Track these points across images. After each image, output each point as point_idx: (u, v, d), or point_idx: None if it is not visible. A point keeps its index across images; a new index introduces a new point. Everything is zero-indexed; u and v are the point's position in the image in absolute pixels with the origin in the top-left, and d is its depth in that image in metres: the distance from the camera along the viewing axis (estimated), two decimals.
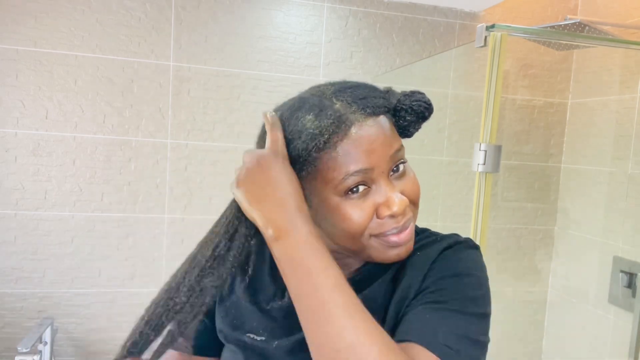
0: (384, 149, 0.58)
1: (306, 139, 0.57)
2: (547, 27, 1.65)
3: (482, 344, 0.58)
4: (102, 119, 1.78)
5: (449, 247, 0.64)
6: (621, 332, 1.77)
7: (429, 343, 0.53)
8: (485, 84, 1.16)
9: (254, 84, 1.87)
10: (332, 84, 0.62)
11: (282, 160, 0.57)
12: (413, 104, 0.62)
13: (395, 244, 0.60)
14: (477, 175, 1.19)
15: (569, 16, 1.62)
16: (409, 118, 0.62)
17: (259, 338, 0.67)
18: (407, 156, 0.65)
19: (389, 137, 0.59)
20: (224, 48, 1.84)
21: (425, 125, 0.67)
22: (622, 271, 1.74)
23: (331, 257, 0.54)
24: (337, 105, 0.58)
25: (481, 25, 1.16)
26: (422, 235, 0.69)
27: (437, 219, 2.04)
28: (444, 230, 0.70)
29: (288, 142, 0.58)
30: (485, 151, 1.17)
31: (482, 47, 1.16)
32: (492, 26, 1.15)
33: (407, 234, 0.61)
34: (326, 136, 0.56)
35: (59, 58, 1.73)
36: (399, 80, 1.98)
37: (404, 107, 0.62)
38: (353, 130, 0.57)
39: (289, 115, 0.60)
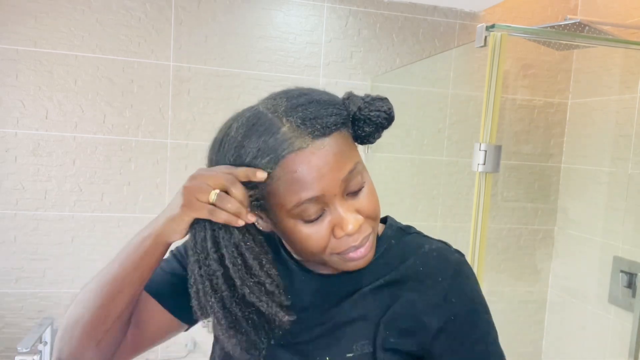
0: (334, 173, 0.57)
1: (258, 165, 0.57)
2: (547, 27, 1.65)
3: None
4: (102, 119, 1.78)
5: (456, 272, 0.66)
6: (621, 332, 1.77)
7: None
8: (485, 84, 1.16)
9: (254, 84, 1.87)
10: (287, 97, 0.60)
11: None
12: (371, 114, 0.60)
13: (354, 259, 0.62)
14: (477, 175, 1.19)
15: (569, 16, 1.62)
16: (367, 129, 0.61)
17: None
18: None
19: (341, 159, 0.58)
20: (224, 48, 1.84)
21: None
22: (622, 271, 1.74)
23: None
24: (286, 128, 0.57)
25: (481, 25, 1.16)
26: (411, 237, 0.70)
27: (437, 219, 2.04)
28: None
29: (242, 164, 0.59)
30: (485, 151, 1.17)
31: (482, 47, 1.16)
32: (492, 26, 1.15)
33: (366, 249, 0.62)
34: (272, 164, 0.56)
35: (59, 58, 1.73)
36: (399, 80, 1.98)
37: (362, 117, 0.60)
38: (300, 157, 0.56)
39: (243, 133, 0.59)
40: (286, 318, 0.60)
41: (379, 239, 0.69)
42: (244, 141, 0.59)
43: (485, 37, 1.16)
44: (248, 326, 0.61)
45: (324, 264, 0.64)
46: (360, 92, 0.65)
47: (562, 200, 2.11)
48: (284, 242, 0.66)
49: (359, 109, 0.60)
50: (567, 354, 2.08)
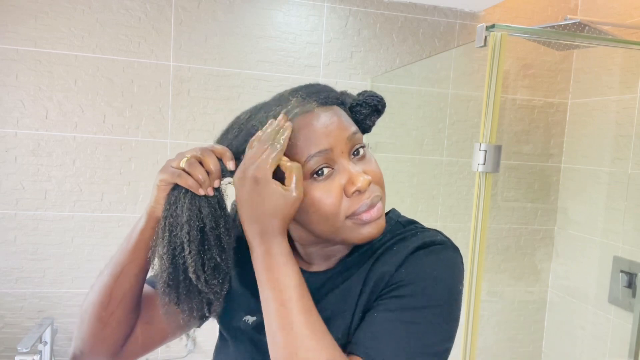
0: (340, 131, 0.63)
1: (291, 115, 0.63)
2: (547, 27, 1.65)
3: (437, 354, 0.59)
4: (102, 119, 1.78)
5: (426, 245, 0.64)
6: (621, 332, 1.77)
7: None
8: (485, 84, 1.16)
9: (254, 84, 1.87)
10: (295, 87, 0.69)
11: (272, 182, 0.60)
12: (366, 98, 0.68)
13: (368, 220, 0.63)
14: (477, 175, 1.19)
15: (569, 16, 1.62)
16: (364, 111, 0.68)
17: (252, 319, 0.69)
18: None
19: (344, 122, 0.64)
20: (224, 48, 1.84)
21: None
22: (622, 271, 1.74)
23: (298, 274, 0.60)
24: (293, 100, 0.64)
25: (481, 25, 1.16)
26: (408, 228, 0.70)
27: (437, 219, 2.04)
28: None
29: (251, 135, 0.64)
30: (485, 151, 1.17)
31: (482, 47, 1.16)
32: (492, 26, 1.15)
33: (377, 210, 0.64)
34: (298, 114, 0.62)
35: (59, 58, 1.73)
36: (399, 80, 1.98)
37: (358, 102, 0.68)
38: (308, 117, 0.62)
39: (254, 112, 0.66)
40: (216, 308, 0.67)
41: None
42: (253, 114, 0.66)
43: (485, 37, 1.15)
44: (187, 297, 0.64)
45: (337, 235, 0.63)
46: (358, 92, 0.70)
47: (562, 200, 2.11)
48: (300, 219, 0.65)
49: (353, 99, 0.69)
50: (567, 354, 2.08)
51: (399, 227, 0.70)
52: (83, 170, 1.78)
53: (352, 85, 1.91)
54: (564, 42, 1.75)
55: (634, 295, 1.69)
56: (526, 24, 2.02)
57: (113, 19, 1.75)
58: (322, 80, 1.91)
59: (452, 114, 2.02)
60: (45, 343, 1.68)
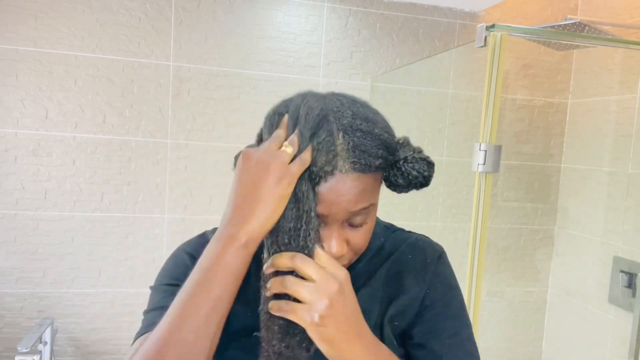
0: (348, 204, 0.59)
1: (320, 163, 0.57)
2: (547, 27, 1.65)
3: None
4: (102, 119, 1.78)
5: (440, 256, 0.73)
6: (621, 332, 1.77)
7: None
8: (485, 84, 1.16)
9: (254, 84, 1.87)
10: (353, 112, 0.60)
11: (350, 291, 0.57)
12: (412, 171, 0.62)
13: None
14: (477, 175, 1.19)
15: (569, 16, 1.62)
16: (400, 181, 0.63)
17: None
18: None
19: (360, 197, 0.59)
20: (224, 48, 1.84)
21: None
22: (622, 271, 1.74)
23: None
24: (338, 143, 0.57)
25: (481, 25, 1.16)
26: (397, 233, 0.76)
27: (437, 219, 2.04)
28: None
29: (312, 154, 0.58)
30: (485, 151, 1.17)
31: (482, 47, 1.16)
32: (492, 26, 1.15)
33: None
34: (317, 179, 0.57)
35: (59, 58, 1.73)
36: (399, 80, 1.98)
37: (402, 169, 0.62)
38: (333, 177, 0.57)
39: (314, 127, 0.58)
40: None
41: (370, 242, 0.72)
42: (316, 134, 0.58)
43: (485, 37, 1.15)
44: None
45: None
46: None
47: (562, 200, 2.11)
48: None
49: (405, 159, 0.62)
50: (567, 354, 2.08)
51: (387, 231, 0.76)
52: (83, 170, 1.78)
53: (352, 85, 1.91)
54: (564, 42, 1.75)
55: (634, 295, 1.69)
56: (526, 24, 2.02)
57: (113, 19, 1.75)
58: (322, 80, 1.91)
59: (452, 114, 2.02)
60: (45, 343, 1.68)
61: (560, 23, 1.58)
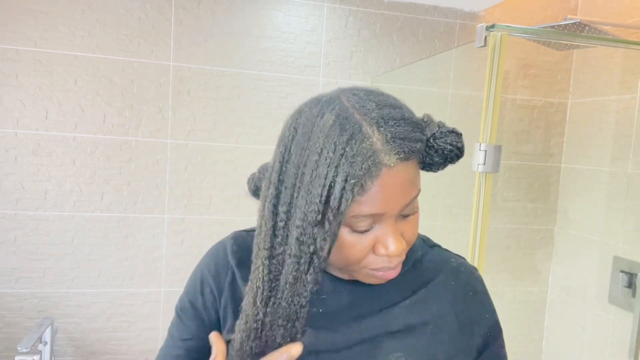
0: (401, 198, 0.56)
1: (344, 187, 0.53)
2: (547, 27, 1.65)
3: None
4: (102, 119, 1.78)
5: (484, 286, 0.76)
6: (621, 332, 1.77)
7: None
8: (485, 84, 1.16)
9: (254, 84, 1.87)
10: (377, 103, 0.57)
11: None
12: (446, 146, 0.60)
13: (382, 278, 0.62)
14: (477, 175, 1.19)
15: (569, 16, 1.62)
16: (436, 159, 0.60)
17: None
18: None
19: (410, 186, 0.57)
20: (224, 48, 1.84)
21: None
22: (622, 271, 1.74)
23: None
24: (375, 139, 0.54)
25: (481, 25, 1.16)
26: (435, 250, 0.74)
27: (437, 219, 2.04)
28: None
29: (332, 159, 0.54)
30: (485, 151, 1.17)
31: (482, 47, 1.16)
32: (492, 26, 1.15)
33: (396, 272, 0.62)
34: (361, 184, 0.53)
35: (59, 58, 1.73)
36: (399, 80, 1.98)
37: (435, 146, 0.60)
38: (382, 176, 0.54)
39: (327, 136, 0.54)
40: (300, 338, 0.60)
41: (415, 248, 0.72)
42: (334, 139, 0.54)
43: (485, 37, 1.15)
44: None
45: (350, 273, 0.64)
46: None
47: (562, 200, 2.11)
48: None
49: (434, 136, 0.60)
50: (567, 354, 2.08)
51: (425, 245, 0.74)
52: (83, 170, 1.78)
53: (352, 85, 1.91)
54: (564, 42, 1.75)
55: (634, 295, 1.69)
56: (526, 24, 2.02)
57: (113, 19, 1.75)
58: (322, 80, 1.91)
59: (452, 114, 2.02)
60: (45, 343, 1.68)
61: (560, 23, 1.58)
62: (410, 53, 1.97)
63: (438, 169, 0.62)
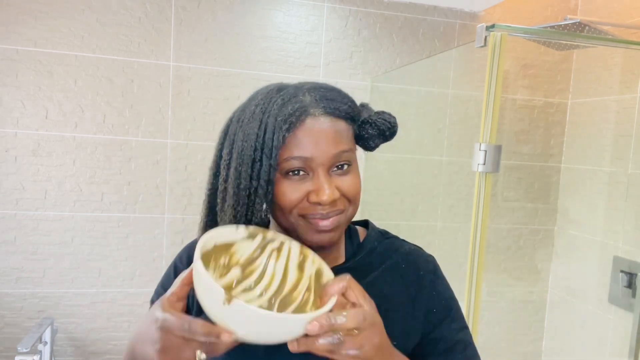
0: (328, 145, 0.63)
1: (274, 126, 0.62)
2: (547, 27, 1.65)
3: None
4: (102, 119, 1.78)
5: (436, 268, 0.78)
6: (621, 332, 1.77)
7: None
8: (485, 84, 1.16)
9: (254, 84, 1.86)
10: (313, 83, 0.69)
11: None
12: (378, 119, 0.68)
13: (318, 228, 0.66)
14: (477, 175, 1.19)
15: (569, 16, 1.62)
16: (370, 131, 0.68)
17: None
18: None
19: (338, 137, 0.65)
20: (224, 48, 1.84)
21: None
22: (622, 271, 1.74)
23: None
24: (305, 99, 0.64)
25: (481, 25, 1.16)
26: (390, 240, 0.79)
27: (437, 219, 2.04)
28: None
29: (263, 119, 0.64)
30: (485, 151, 1.17)
31: (482, 47, 1.16)
32: (492, 26, 1.15)
33: (330, 222, 0.66)
34: (287, 124, 0.62)
35: (59, 58, 1.73)
36: (399, 80, 1.98)
37: (369, 120, 0.68)
38: (308, 120, 0.63)
39: (265, 95, 0.66)
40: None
41: (363, 242, 0.76)
42: (268, 98, 0.65)
43: (485, 37, 1.15)
44: None
45: (293, 230, 0.68)
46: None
47: (562, 200, 2.11)
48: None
49: (370, 116, 0.69)
50: (567, 354, 2.08)
51: (381, 237, 0.79)
52: (83, 170, 1.78)
53: (352, 85, 1.91)
54: (564, 42, 1.75)
55: (634, 295, 1.69)
56: (526, 24, 2.02)
57: (113, 19, 1.75)
58: (322, 80, 1.91)
59: (452, 114, 2.02)
60: (45, 343, 1.68)
61: (560, 23, 1.58)
62: (410, 53, 1.97)
63: (374, 144, 0.70)
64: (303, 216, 0.66)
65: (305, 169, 0.64)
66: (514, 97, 2.07)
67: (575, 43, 1.85)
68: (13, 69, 1.70)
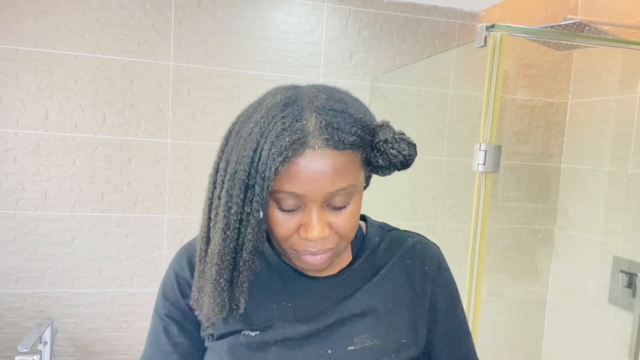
0: (324, 183, 0.58)
1: (269, 155, 0.57)
2: (547, 27, 1.65)
3: None
4: (102, 119, 1.78)
5: (440, 262, 0.77)
6: (621, 332, 1.77)
7: None
8: (485, 84, 1.16)
9: (254, 84, 1.87)
10: (328, 95, 0.62)
11: None
12: (391, 151, 0.61)
13: (307, 263, 0.64)
14: (477, 175, 1.19)
15: (569, 16, 1.62)
16: (380, 162, 0.62)
17: (253, 333, 0.69)
18: None
19: (336, 176, 0.59)
20: (224, 48, 1.84)
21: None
22: (622, 271, 1.74)
23: None
24: (309, 123, 0.58)
25: (481, 25, 1.16)
26: (392, 233, 0.78)
27: (437, 219, 2.04)
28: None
29: (266, 130, 0.58)
30: (485, 151, 1.17)
31: (482, 47, 1.16)
32: (492, 26, 1.15)
33: (321, 259, 0.64)
34: (282, 158, 0.56)
35: (59, 58, 1.73)
36: (399, 80, 1.98)
37: (381, 149, 0.61)
38: (305, 154, 0.57)
39: (268, 110, 0.60)
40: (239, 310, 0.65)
41: (365, 238, 0.75)
42: (276, 111, 0.59)
43: (485, 37, 1.15)
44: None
45: (286, 254, 0.67)
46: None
47: (562, 200, 2.11)
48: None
49: (385, 140, 0.61)
50: (567, 354, 2.08)
51: (382, 231, 0.78)
52: (83, 170, 1.78)
53: (352, 85, 1.91)
54: (564, 42, 1.75)
55: (634, 295, 1.69)
56: (526, 24, 2.02)
57: (113, 19, 1.75)
58: (322, 80, 1.91)
59: (452, 114, 2.02)
60: (45, 343, 1.68)
61: (560, 23, 1.58)
62: (410, 53, 1.97)
63: (384, 173, 0.64)
64: (295, 250, 0.64)
65: (297, 205, 0.60)
66: (514, 97, 2.07)
67: (575, 43, 1.85)
68: (13, 69, 1.70)
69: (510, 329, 2.16)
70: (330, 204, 0.61)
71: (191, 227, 1.87)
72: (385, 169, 0.63)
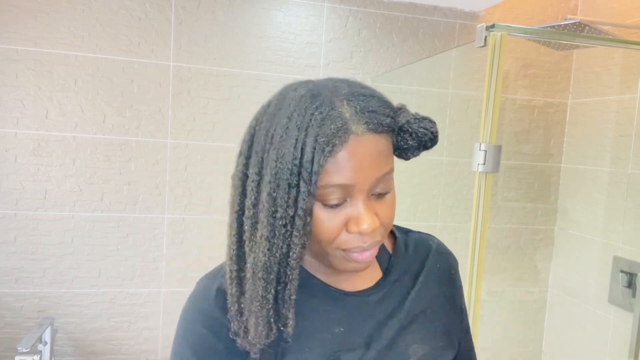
0: (371, 169, 0.56)
1: (315, 147, 0.54)
2: (547, 27, 1.65)
3: None
4: (102, 119, 1.78)
5: (456, 262, 0.80)
6: (621, 332, 1.77)
7: None
8: (485, 84, 1.16)
9: (254, 84, 1.87)
10: (348, 84, 0.60)
11: None
12: (420, 129, 0.61)
13: (357, 260, 0.61)
14: (477, 175, 1.19)
15: (569, 16, 1.62)
16: (410, 142, 0.61)
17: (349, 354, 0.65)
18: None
19: (382, 159, 0.57)
20: (224, 48, 1.84)
21: None
22: (622, 271, 1.74)
23: None
24: (344, 110, 0.55)
25: (481, 25, 1.16)
26: (413, 235, 0.78)
27: (437, 219, 2.04)
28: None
29: (302, 125, 0.55)
30: (485, 151, 1.17)
31: (482, 47, 1.16)
32: (492, 26, 1.15)
33: (370, 256, 0.61)
34: (330, 146, 0.54)
35: (59, 58, 1.73)
36: (399, 80, 1.98)
37: (409, 130, 0.61)
38: (351, 142, 0.55)
39: (297, 104, 0.57)
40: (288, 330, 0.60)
41: (397, 241, 0.75)
42: (301, 109, 0.56)
43: (485, 37, 1.15)
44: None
45: (324, 257, 0.62)
46: None
47: (562, 200, 2.11)
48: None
49: (408, 122, 0.61)
50: (567, 354, 2.08)
51: (400, 232, 0.78)
52: (83, 170, 1.78)
53: None
54: (564, 42, 1.75)
55: (634, 295, 1.69)
56: (526, 24, 2.02)
57: (113, 19, 1.75)
58: None
59: (452, 114, 2.02)
60: (45, 343, 1.68)
61: (560, 23, 1.58)
62: (410, 53, 1.97)
63: (413, 154, 0.63)
64: (343, 250, 0.60)
65: (344, 197, 0.57)
66: (514, 97, 2.07)
67: (575, 43, 1.85)
68: (13, 69, 1.70)
69: (510, 329, 2.16)
70: (374, 192, 0.59)
71: (191, 227, 1.87)
72: (415, 150, 0.62)
